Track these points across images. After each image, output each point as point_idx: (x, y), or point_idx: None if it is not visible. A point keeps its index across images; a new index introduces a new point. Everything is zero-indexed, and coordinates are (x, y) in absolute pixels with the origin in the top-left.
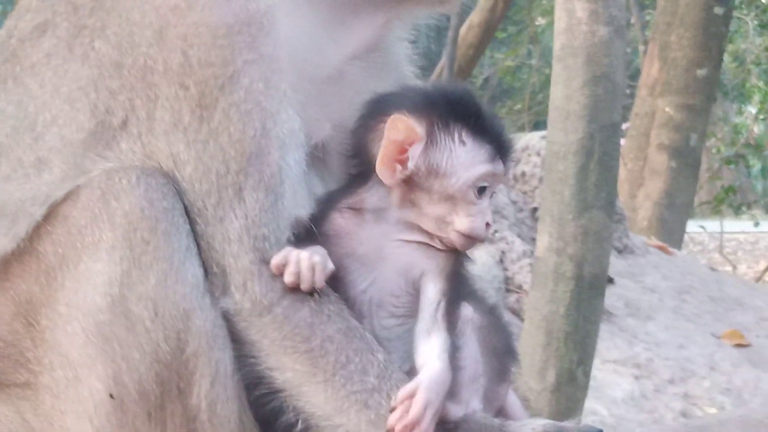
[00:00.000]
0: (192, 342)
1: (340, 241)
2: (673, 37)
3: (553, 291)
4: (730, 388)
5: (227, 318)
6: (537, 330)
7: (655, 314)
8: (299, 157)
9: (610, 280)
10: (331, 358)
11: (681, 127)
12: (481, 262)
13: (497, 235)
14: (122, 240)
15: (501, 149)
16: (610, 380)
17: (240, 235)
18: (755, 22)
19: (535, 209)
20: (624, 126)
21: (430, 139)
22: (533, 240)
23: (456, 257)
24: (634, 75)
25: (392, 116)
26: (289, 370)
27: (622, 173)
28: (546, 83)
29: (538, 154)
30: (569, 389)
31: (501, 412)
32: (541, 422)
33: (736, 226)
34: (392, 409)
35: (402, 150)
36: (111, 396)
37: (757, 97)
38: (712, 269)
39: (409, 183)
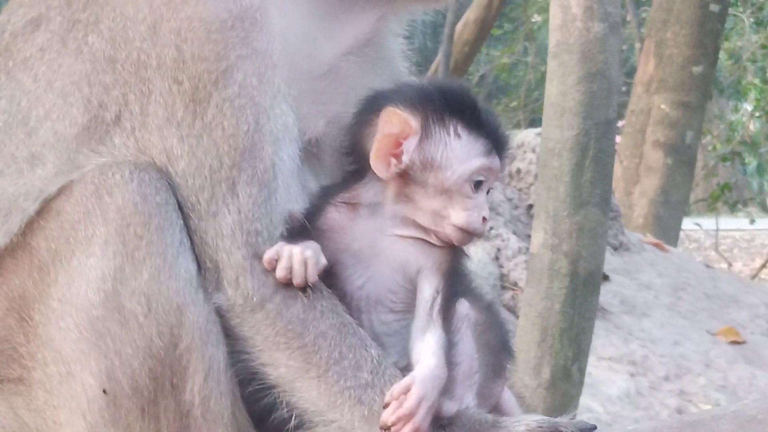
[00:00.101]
0: (185, 337)
1: (335, 236)
2: (668, 34)
3: (548, 288)
4: (725, 385)
5: (220, 313)
6: (532, 327)
7: (651, 311)
8: (293, 153)
9: (606, 277)
10: (325, 353)
11: (677, 124)
12: (476, 259)
13: (492, 232)
14: (115, 235)
15: (497, 144)
16: (605, 377)
17: (233, 230)
18: (751, 20)
19: (530, 206)
20: (619, 123)
21: (425, 133)
22: (528, 237)
23: (452, 253)
24: (630, 72)
25: (387, 110)
26: (282, 366)
27: (618, 170)
28: (542, 80)
29: (534, 151)
30: (564, 386)
31: (496, 409)
32: (536, 418)
33: (732, 224)
34: (386, 406)
35: (397, 144)
36: (104, 391)
37: (752, 95)
38: (708, 266)
39: (405, 177)
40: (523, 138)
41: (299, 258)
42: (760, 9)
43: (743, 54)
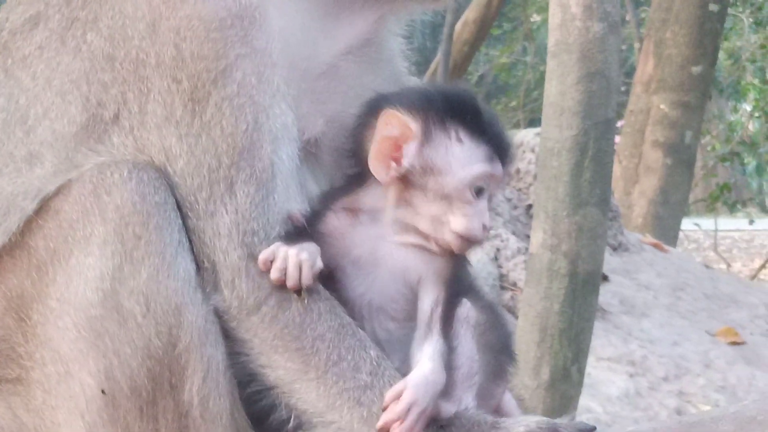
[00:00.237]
0: (184, 337)
1: (335, 242)
2: (668, 33)
3: (548, 288)
4: (725, 385)
5: (218, 315)
6: (531, 327)
7: (650, 311)
8: (292, 152)
9: (605, 278)
10: (323, 355)
11: (676, 124)
12: (475, 259)
13: (492, 232)
14: (114, 234)
15: (499, 150)
16: (604, 377)
17: (230, 229)
18: (750, 20)
19: (529, 206)
20: (619, 123)
21: (426, 136)
22: (528, 237)
23: (453, 262)
24: (629, 72)
25: (386, 111)
26: (280, 368)
27: (617, 170)
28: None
29: (533, 150)
30: (563, 386)
31: (496, 411)
32: (535, 419)
33: (731, 224)
34: (384, 408)
35: (396, 146)
36: (102, 391)
37: (752, 95)
38: (707, 267)
39: (405, 181)
40: (522, 138)
41: (294, 260)
42: (759, 9)
43: (742, 54)
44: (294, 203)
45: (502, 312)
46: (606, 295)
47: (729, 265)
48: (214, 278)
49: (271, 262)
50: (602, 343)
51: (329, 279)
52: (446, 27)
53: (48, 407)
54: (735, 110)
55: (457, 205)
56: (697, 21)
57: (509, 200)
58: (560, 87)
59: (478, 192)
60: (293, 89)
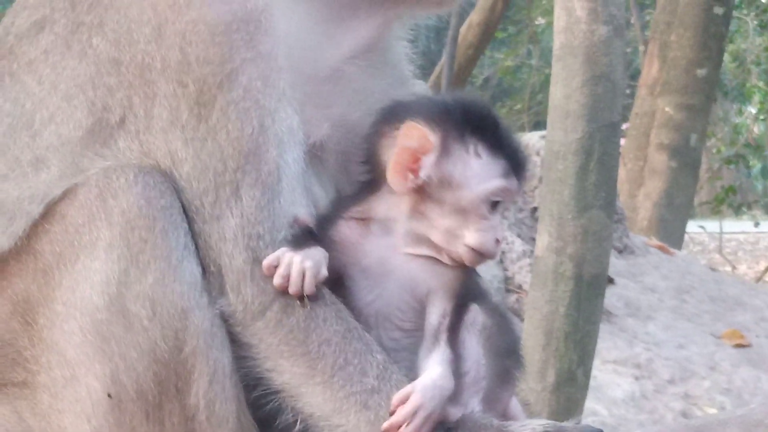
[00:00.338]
0: (190, 341)
1: (345, 250)
2: (672, 36)
3: (553, 291)
4: (730, 388)
5: (224, 319)
6: (536, 330)
7: (655, 314)
8: (297, 156)
9: (610, 280)
10: (329, 360)
11: (681, 127)
12: None
13: None
14: (120, 238)
15: (516, 165)
16: (609, 380)
17: (235, 233)
18: (755, 22)
19: (534, 209)
20: (624, 126)
21: (444, 150)
22: (533, 240)
23: (463, 274)
24: (634, 75)
25: (407, 123)
26: (286, 373)
27: (622, 173)
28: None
29: (538, 153)
30: (569, 389)
31: (502, 415)
32: (542, 422)
33: (736, 227)
34: (392, 413)
35: (415, 158)
36: (109, 395)
37: (757, 97)
38: (712, 269)
39: (421, 193)
40: (527, 141)
41: (298, 267)
42: (765, 12)
43: (747, 57)
44: (300, 207)
45: (509, 316)
46: (611, 297)
47: (734, 268)
48: (219, 282)
49: (275, 267)
50: (607, 346)
51: (337, 285)
52: (451, 30)
53: (54, 411)
54: (740, 113)
55: (472, 220)
56: (702, 24)
57: (514, 203)
58: (565, 90)
59: (493, 206)
60: (298, 93)
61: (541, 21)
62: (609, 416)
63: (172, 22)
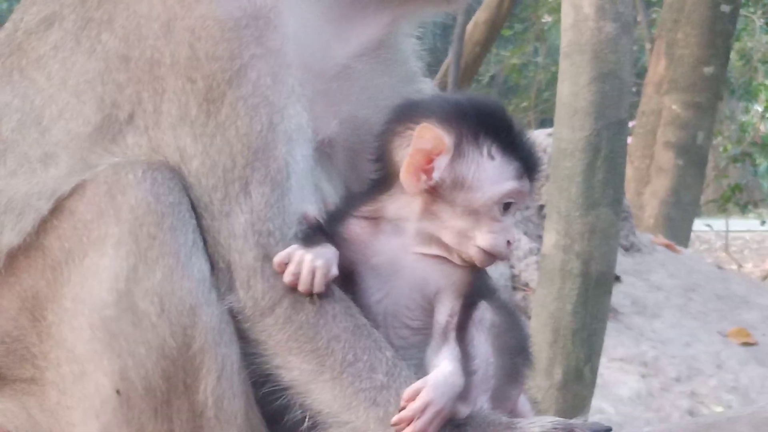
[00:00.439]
0: (198, 337)
1: (355, 248)
2: (679, 34)
3: (560, 288)
4: (737, 386)
5: (233, 315)
6: (544, 327)
7: (662, 312)
8: (306, 152)
9: (617, 278)
10: (338, 356)
11: (687, 124)
12: None
13: None
14: (128, 235)
15: (529, 167)
16: (616, 378)
17: (245, 230)
18: (762, 20)
19: (541, 206)
20: (630, 124)
21: (458, 151)
22: (540, 237)
23: (472, 275)
24: (641, 73)
25: (421, 125)
26: (295, 369)
27: (629, 171)
28: (552, 81)
29: (545, 151)
30: (576, 387)
31: (510, 412)
32: (550, 420)
33: (743, 225)
34: (401, 409)
35: (428, 159)
36: (117, 392)
37: (763, 96)
38: (719, 267)
39: (433, 194)
40: (534, 138)
41: (308, 266)
42: None
43: (754, 55)
44: (309, 204)
45: (518, 313)
46: (618, 295)
47: (740, 266)
48: (228, 279)
49: (286, 264)
50: (614, 343)
51: (347, 282)
52: (457, 28)
53: (62, 407)
54: (746, 111)
55: (485, 221)
56: (709, 22)
57: (527, 205)
58: (573, 88)
59: (506, 208)
60: (307, 90)
61: (547, 19)
62: (616, 414)
63: (181, 18)
